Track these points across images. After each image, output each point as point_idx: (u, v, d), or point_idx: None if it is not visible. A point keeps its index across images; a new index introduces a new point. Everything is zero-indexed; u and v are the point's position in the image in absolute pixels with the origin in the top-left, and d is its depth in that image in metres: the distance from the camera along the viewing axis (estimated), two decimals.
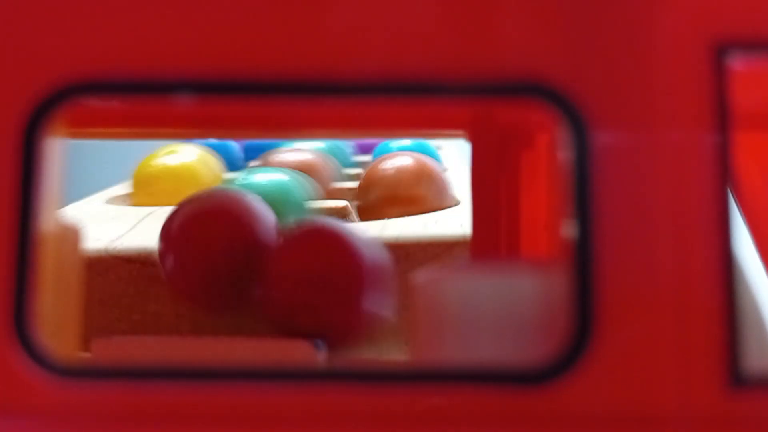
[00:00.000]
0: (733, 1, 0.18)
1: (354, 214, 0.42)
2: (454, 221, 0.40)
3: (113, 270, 0.35)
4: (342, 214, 0.40)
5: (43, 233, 0.18)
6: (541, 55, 0.18)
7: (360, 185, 0.46)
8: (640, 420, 0.17)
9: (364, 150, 0.66)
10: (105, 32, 0.18)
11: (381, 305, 0.26)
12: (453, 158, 0.64)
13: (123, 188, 0.58)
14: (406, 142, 0.61)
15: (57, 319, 0.19)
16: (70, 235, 0.20)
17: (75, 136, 0.22)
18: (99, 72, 0.18)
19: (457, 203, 0.47)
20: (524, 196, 0.32)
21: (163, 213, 0.36)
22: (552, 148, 0.27)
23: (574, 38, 0.18)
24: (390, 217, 0.41)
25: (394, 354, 0.33)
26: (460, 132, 0.33)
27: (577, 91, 0.18)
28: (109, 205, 0.56)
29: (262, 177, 0.42)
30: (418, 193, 0.44)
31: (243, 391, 0.18)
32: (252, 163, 0.59)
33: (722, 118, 0.18)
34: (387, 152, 0.54)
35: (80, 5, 0.18)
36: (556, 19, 0.18)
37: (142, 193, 0.51)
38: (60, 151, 0.19)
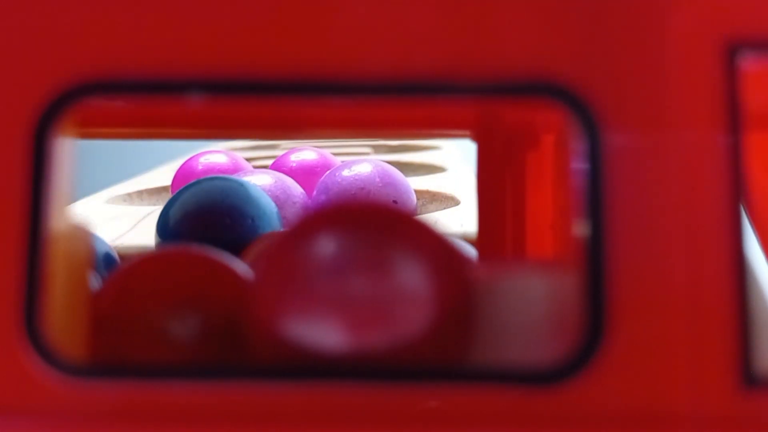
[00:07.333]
0: (745, 1, 0.18)
1: None
2: (454, 221, 0.40)
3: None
4: None
5: (54, 232, 0.18)
6: (552, 54, 0.18)
7: None
8: (652, 420, 0.17)
9: None
10: (115, 32, 0.18)
11: None
12: (454, 158, 0.64)
13: (123, 188, 0.58)
14: None
15: (67, 318, 0.19)
16: (80, 234, 0.20)
17: (85, 136, 0.22)
18: (109, 72, 0.18)
19: (457, 203, 0.47)
20: (530, 197, 0.32)
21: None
22: (558, 148, 0.27)
23: (585, 37, 0.18)
24: None
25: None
26: (465, 132, 0.33)
27: (588, 91, 0.18)
28: (109, 205, 0.56)
29: None
30: None
31: (244, 391, 0.18)
32: None
33: (734, 118, 0.18)
34: None
35: (90, 5, 0.18)
36: (567, 19, 0.18)
37: None
38: (70, 151, 0.19)
